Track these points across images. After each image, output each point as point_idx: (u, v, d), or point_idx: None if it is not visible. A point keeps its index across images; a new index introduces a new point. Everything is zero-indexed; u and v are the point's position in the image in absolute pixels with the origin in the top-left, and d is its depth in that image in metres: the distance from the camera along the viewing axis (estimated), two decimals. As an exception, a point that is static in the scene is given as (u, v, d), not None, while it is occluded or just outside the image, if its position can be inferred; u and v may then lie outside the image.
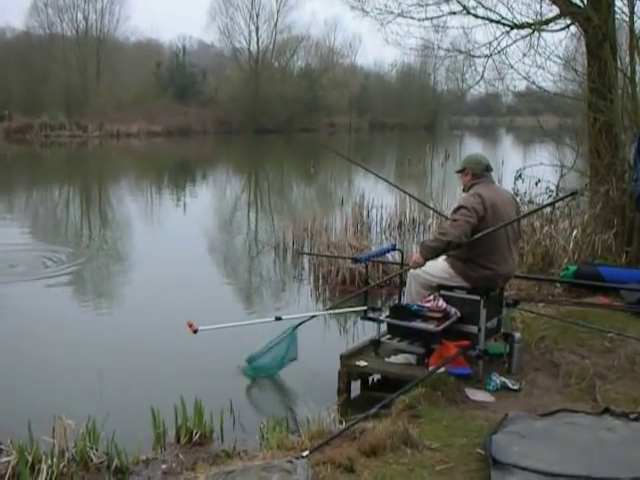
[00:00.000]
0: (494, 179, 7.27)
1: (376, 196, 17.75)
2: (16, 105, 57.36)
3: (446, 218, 8.36)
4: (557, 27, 12.67)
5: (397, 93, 79.71)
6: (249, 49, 72.49)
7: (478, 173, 6.96)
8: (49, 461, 5.24)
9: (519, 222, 7.19)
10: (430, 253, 6.68)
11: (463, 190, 7.09)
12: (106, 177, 32.69)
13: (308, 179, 28.95)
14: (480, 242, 6.60)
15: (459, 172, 7.10)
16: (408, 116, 77.13)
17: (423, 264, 6.80)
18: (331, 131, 70.12)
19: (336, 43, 79.62)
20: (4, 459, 5.33)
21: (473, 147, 50.20)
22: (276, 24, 72.48)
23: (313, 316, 8.42)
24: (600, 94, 11.49)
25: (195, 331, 7.32)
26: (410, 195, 10.80)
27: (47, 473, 5.14)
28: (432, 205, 16.26)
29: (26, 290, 11.15)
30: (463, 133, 70.23)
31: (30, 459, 5.26)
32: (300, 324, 7.83)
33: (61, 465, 5.29)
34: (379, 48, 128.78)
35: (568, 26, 12.66)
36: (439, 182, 20.80)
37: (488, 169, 7.03)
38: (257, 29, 71.89)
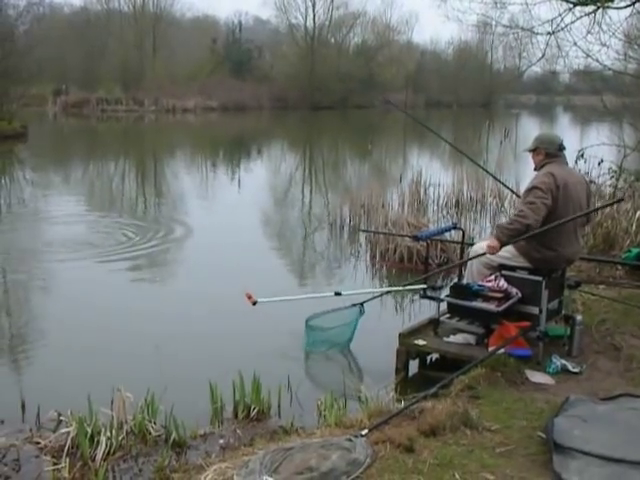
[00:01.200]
0: (567, 159, 7.09)
1: (433, 174, 17.64)
2: (73, 80, 58.17)
3: (517, 195, 8.21)
4: (622, 4, 12.44)
5: (453, 71, 79.05)
6: (305, 25, 72.44)
7: (551, 152, 6.79)
8: (108, 433, 5.31)
9: (589, 205, 7.02)
10: (507, 237, 6.49)
11: (534, 169, 6.92)
12: (162, 152, 32.89)
13: (363, 155, 28.87)
14: (546, 222, 6.48)
15: (531, 151, 6.94)
16: (464, 94, 76.56)
17: (499, 249, 6.60)
18: (387, 108, 69.80)
19: (392, 20, 79.23)
20: (64, 430, 5.41)
21: (530, 126, 49.72)
22: (332, 0, 72.24)
23: (385, 292, 8.40)
24: (666, 73, 11.26)
25: (254, 303, 7.36)
26: (485, 169, 10.55)
27: (106, 445, 5.21)
28: (489, 182, 16.18)
29: (84, 263, 11.25)
30: (520, 112, 69.54)
31: (89, 431, 5.31)
32: (365, 302, 7.87)
33: (120, 437, 5.36)
34: (436, 25, 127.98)
35: (634, 3, 12.43)
36: (497, 160, 20.63)
37: (561, 149, 6.86)
38: (313, 5, 71.80)
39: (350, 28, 75.11)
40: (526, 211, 6.42)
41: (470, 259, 7.15)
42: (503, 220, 10.09)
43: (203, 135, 43.31)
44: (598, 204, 11.03)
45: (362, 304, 7.85)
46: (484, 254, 6.81)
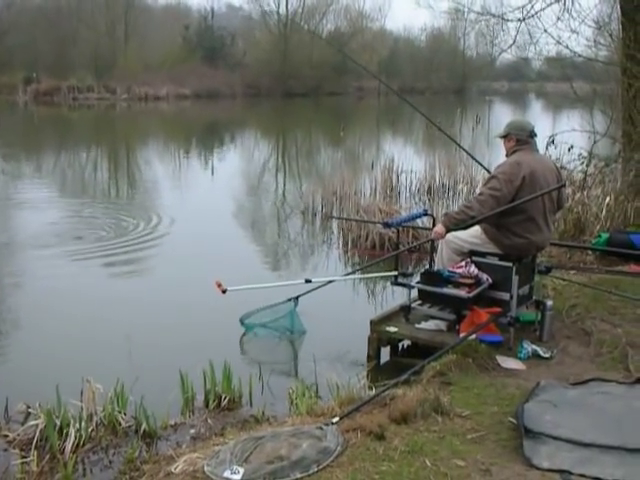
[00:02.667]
0: (538, 146, 7.10)
1: (405, 160, 17.64)
2: (44, 67, 57.34)
3: None
4: (592, -10, 12.49)
5: (426, 58, 79.12)
6: (278, 12, 71.94)
7: (522, 139, 6.79)
8: (77, 425, 5.26)
9: (560, 192, 7.01)
10: (453, 224, 6.62)
11: (506, 155, 6.93)
12: (135, 140, 32.69)
13: (336, 143, 28.85)
14: (515, 210, 6.50)
15: (502, 137, 6.94)
16: (437, 81, 76.63)
17: (444, 235, 6.74)
18: (360, 95, 69.88)
19: (365, 7, 79.20)
20: (32, 423, 5.35)
21: (503, 112, 49.87)
22: (305, -14, 71.89)
23: (330, 281, 8.42)
24: (635, 60, 11.30)
25: (224, 291, 7.42)
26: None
27: (75, 437, 5.16)
28: (462, 169, 16.23)
29: (52, 253, 11.16)
30: (493, 99, 69.71)
31: (58, 423, 5.27)
32: (299, 296, 7.92)
33: (89, 429, 5.31)
34: (409, 12, 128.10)
35: (603, -10, 12.50)
36: (469, 146, 20.65)
37: (532, 135, 6.85)
38: (286, -8, 71.38)
39: (323, 15, 74.85)
40: (473, 203, 6.57)
41: (421, 244, 7.22)
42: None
43: (176, 123, 43.06)
44: (568, 190, 11.13)
45: (297, 297, 7.90)
46: (432, 239, 7.04)
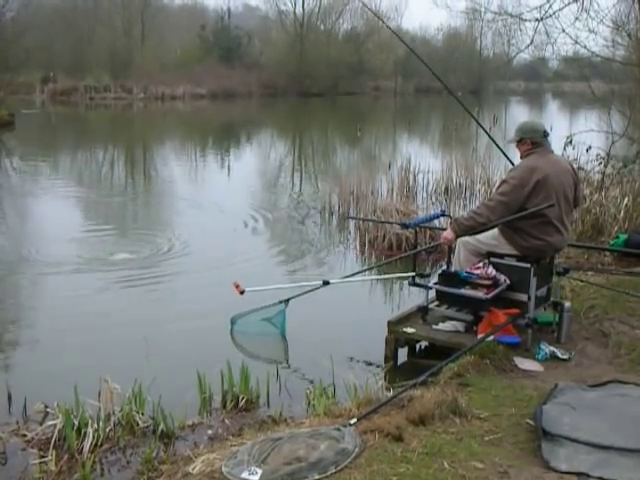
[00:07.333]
0: (552, 146, 7.06)
1: (422, 160, 17.61)
2: (61, 67, 57.56)
3: None
4: (610, -10, 12.46)
5: (443, 57, 78.73)
6: (294, 12, 72.04)
7: (537, 141, 6.76)
8: (95, 425, 5.28)
9: (576, 191, 6.98)
10: (462, 231, 6.70)
11: (521, 157, 6.90)
12: (152, 140, 32.73)
13: (353, 142, 28.82)
14: (531, 213, 6.48)
15: (517, 142, 6.88)
16: (454, 80, 76.37)
17: (453, 241, 6.83)
18: (376, 95, 69.82)
19: (382, 6, 78.83)
20: (50, 422, 5.38)
21: (519, 112, 49.72)
22: (322, -14, 71.87)
23: (373, 280, 8.40)
24: (654, 60, 11.27)
25: (242, 292, 7.46)
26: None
27: (93, 437, 5.18)
28: (479, 169, 16.21)
29: (70, 253, 11.17)
30: (510, 98, 69.54)
31: (76, 423, 5.29)
32: (290, 299, 7.87)
33: (107, 429, 5.33)
34: (425, 12, 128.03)
35: (622, -11, 12.45)
36: (487, 146, 20.61)
37: (545, 135, 6.82)
38: (302, -9, 71.40)
39: (339, 14, 74.81)
40: (482, 209, 6.63)
41: (439, 244, 7.23)
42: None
43: (192, 123, 43.10)
44: (586, 191, 11.11)
45: (287, 300, 7.87)
46: (439, 244, 7.12)
